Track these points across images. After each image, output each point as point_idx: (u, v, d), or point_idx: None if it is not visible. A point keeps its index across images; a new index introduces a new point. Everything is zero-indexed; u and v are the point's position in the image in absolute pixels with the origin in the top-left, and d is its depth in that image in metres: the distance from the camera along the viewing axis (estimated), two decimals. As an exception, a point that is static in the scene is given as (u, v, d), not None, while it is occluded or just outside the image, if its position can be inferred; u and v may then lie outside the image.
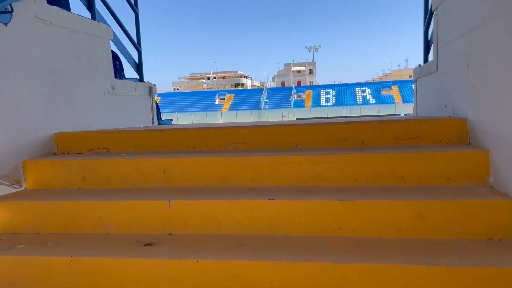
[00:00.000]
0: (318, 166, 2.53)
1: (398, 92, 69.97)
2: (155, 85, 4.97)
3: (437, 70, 3.47)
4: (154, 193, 2.53)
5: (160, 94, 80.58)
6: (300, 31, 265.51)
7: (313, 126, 2.93)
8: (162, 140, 3.12)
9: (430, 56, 4.02)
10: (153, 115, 4.88)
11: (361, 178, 2.49)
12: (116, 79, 4.20)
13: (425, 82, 3.95)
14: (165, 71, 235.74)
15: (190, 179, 2.69)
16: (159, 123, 5.35)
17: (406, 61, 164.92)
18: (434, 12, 3.52)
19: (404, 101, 66.27)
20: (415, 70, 4.35)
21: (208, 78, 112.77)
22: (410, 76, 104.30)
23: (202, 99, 75.30)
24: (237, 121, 66.16)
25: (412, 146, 2.72)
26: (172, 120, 6.00)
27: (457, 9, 2.90)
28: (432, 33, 4.18)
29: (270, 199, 2.25)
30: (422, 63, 4.33)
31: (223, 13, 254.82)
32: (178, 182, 2.70)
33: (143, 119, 4.70)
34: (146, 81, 4.88)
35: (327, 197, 2.23)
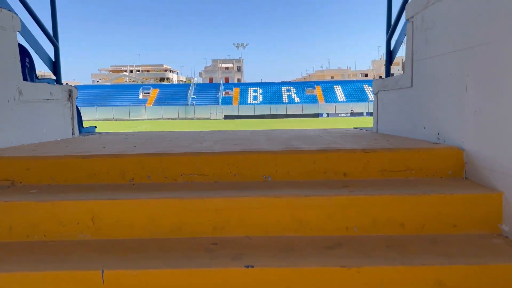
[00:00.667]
0: (300, 211, 1.99)
1: (321, 92, 72.59)
2: (75, 88, 4.08)
3: (411, 86, 3.11)
4: (78, 255, 1.80)
5: (78, 87, 74.74)
6: (229, 28, 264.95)
7: (286, 154, 2.38)
8: (89, 170, 2.36)
9: (397, 69, 3.69)
10: (73, 125, 4.00)
11: (353, 226, 1.99)
12: (25, 81, 3.29)
13: (391, 97, 3.60)
14: (83, 62, 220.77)
15: (129, 229, 1.99)
16: (80, 133, 4.46)
17: (328, 62, 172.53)
18: (409, 21, 3.16)
19: (326, 101, 68.94)
20: (376, 82, 4.00)
21: (131, 71, 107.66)
22: (332, 77, 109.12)
23: (125, 93, 71.54)
24: (163, 116, 63.96)
25: (403, 181, 2.30)
26: (96, 127, 5.09)
27: (449, 19, 2.53)
28: (398, 43, 3.86)
29: (247, 266, 1.65)
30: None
31: (148, 4, 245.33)
32: (113, 233, 1.98)
33: (60, 130, 3.80)
34: (64, 83, 3.98)
35: (322, 261, 1.69)
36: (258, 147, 2.65)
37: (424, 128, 2.89)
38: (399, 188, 2.14)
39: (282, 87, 74.85)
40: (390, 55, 3.95)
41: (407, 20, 3.24)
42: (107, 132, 4.86)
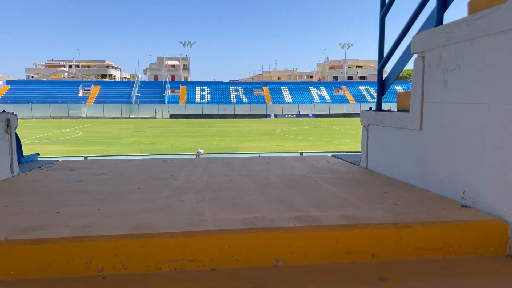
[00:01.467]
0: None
1: (269, 93, 73.03)
2: (15, 115, 3.32)
3: (420, 129, 2.76)
4: None
5: (10, 82, 69.46)
6: (175, 25, 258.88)
7: (302, 232, 1.91)
8: (41, 260, 1.73)
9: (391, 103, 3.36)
10: (12, 161, 3.24)
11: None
12: None
13: (389, 135, 3.24)
14: (16, 55, 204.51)
15: None
16: (20, 163, 3.68)
17: (275, 63, 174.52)
18: (419, 56, 2.80)
19: (274, 102, 69.45)
20: (365, 114, 3.63)
21: (70, 67, 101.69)
22: (278, 78, 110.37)
23: (63, 89, 67.34)
24: (105, 115, 60.92)
25: (442, 262, 1.91)
26: (38, 154, 4.29)
27: (486, 65, 2.18)
28: (393, 73, 3.51)
29: None
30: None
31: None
32: None
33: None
34: (1, 111, 3.21)
35: None
36: (252, 205, 2.29)
37: (441, 181, 2.54)
38: (442, 278, 1.74)
39: (230, 87, 74.37)
40: (382, 86, 3.59)
41: (412, 53, 2.89)
42: (53, 161, 4.11)
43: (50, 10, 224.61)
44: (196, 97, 70.01)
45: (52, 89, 66.46)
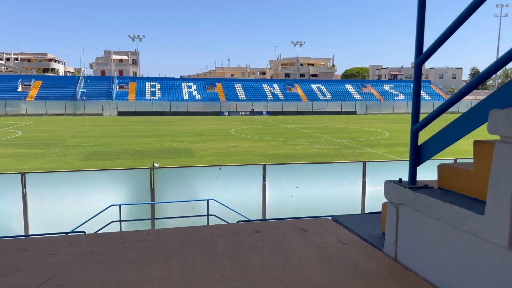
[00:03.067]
0: None
1: (222, 90, 72.10)
2: None
3: (509, 248, 1.91)
4: None
5: None
6: (123, 18, 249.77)
7: None
8: None
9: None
10: None
11: None
12: None
13: (437, 230, 2.22)
14: None
15: None
16: None
17: (228, 60, 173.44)
18: (503, 143, 1.95)
19: (227, 99, 68.67)
20: (393, 188, 2.61)
21: (8, 60, 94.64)
22: (232, 75, 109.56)
23: (0, 84, 62.38)
24: (47, 112, 57.07)
25: None
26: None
27: None
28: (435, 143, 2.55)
29: None
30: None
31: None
32: None
33: None
34: None
35: None
36: None
37: None
38: None
39: (182, 83, 72.56)
40: (417, 153, 2.52)
41: (491, 133, 2.03)
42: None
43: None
44: (146, 93, 67.60)
45: (-14, 84, 61.40)
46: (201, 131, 36.16)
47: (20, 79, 64.46)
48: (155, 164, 8.95)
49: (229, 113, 62.88)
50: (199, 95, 69.52)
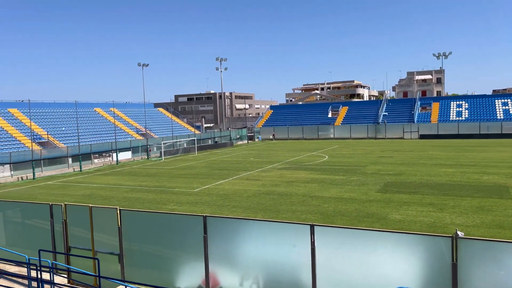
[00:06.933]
0: None
1: (553, 105, 57.49)
2: None
3: None
4: None
5: (273, 107, 79.63)
6: (426, 36, 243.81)
7: None
8: None
9: None
10: None
11: None
12: None
13: None
14: (279, 81, 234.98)
15: None
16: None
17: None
18: None
19: (561, 116, 54.07)
20: None
21: (322, 89, 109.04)
22: None
23: (314, 111, 72.02)
24: (351, 136, 61.47)
25: None
26: None
27: None
28: None
29: None
30: None
31: (335, 17, 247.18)
32: None
33: None
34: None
35: None
36: None
37: None
38: None
39: (496, 100, 62.59)
40: None
41: None
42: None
43: (307, 39, 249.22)
44: (451, 114, 62.04)
45: (305, 112, 72.11)
46: (522, 161, 29.33)
47: (330, 106, 72.37)
48: (459, 233, 6.96)
49: None
50: (518, 114, 58.07)
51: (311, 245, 7.48)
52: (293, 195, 20.41)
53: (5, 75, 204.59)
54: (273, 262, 7.92)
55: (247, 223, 8.59)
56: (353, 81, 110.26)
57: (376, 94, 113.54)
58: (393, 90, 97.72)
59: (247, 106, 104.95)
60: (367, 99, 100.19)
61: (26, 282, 9.55)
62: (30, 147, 37.33)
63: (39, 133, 42.66)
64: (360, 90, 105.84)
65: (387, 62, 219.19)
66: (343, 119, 67.29)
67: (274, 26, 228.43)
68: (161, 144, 43.73)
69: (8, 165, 31.53)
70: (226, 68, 73.16)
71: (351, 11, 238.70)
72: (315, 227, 7.50)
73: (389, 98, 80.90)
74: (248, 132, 65.78)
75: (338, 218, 15.73)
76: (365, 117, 65.63)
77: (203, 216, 8.61)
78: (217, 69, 72.30)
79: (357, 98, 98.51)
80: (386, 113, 65.65)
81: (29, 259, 9.34)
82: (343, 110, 69.82)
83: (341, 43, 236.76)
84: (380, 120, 63.51)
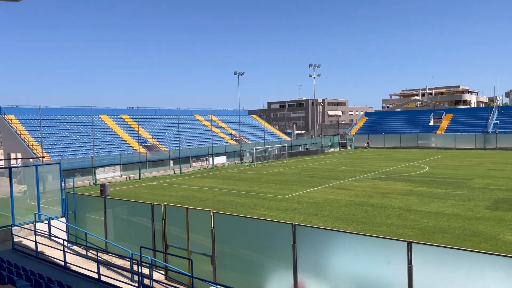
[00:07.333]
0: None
1: None
2: None
3: None
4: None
5: (368, 114, 76.88)
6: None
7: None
8: None
9: None
10: None
11: None
12: None
13: None
14: (375, 87, 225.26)
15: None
16: None
17: None
18: None
19: None
20: None
21: (423, 95, 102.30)
22: None
23: (414, 119, 67.78)
24: (455, 146, 56.46)
25: None
26: None
27: None
28: None
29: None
30: None
31: (437, 15, 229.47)
32: None
33: None
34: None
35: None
36: None
37: None
38: None
39: None
40: None
41: None
42: None
43: (406, 42, 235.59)
44: None
45: (403, 119, 68.22)
46: None
47: (432, 113, 67.54)
48: None
49: None
50: None
51: (408, 263, 6.95)
52: (389, 207, 19.33)
53: (118, 84, 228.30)
54: (364, 278, 7.52)
55: (339, 235, 8.28)
56: (458, 86, 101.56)
57: (486, 100, 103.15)
58: (506, 96, 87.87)
59: (339, 113, 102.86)
60: (475, 106, 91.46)
61: (129, 275, 10.38)
62: (137, 150, 40.94)
63: (145, 137, 46.58)
64: (466, 96, 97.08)
65: (500, 64, 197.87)
66: (446, 127, 62.30)
67: (370, 28, 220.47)
68: (253, 150, 44.80)
69: (119, 166, 34.90)
70: (319, 75, 72.53)
71: (456, 8, 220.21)
72: (412, 244, 6.95)
73: (501, 105, 72.93)
74: (340, 140, 64.25)
75: (439, 235, 14.47)
76: (473, 126, 59.96)
77: (292, 224, 8.53)
78: (310, 76, 71.99)
79: (463, 105, 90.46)
80: (498, 121, 59.23)
81: (132, 254, 10.14)
82: (446, 118, 64.67)
83: (445, 45, 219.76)
84: (490, 129, 57.53)
